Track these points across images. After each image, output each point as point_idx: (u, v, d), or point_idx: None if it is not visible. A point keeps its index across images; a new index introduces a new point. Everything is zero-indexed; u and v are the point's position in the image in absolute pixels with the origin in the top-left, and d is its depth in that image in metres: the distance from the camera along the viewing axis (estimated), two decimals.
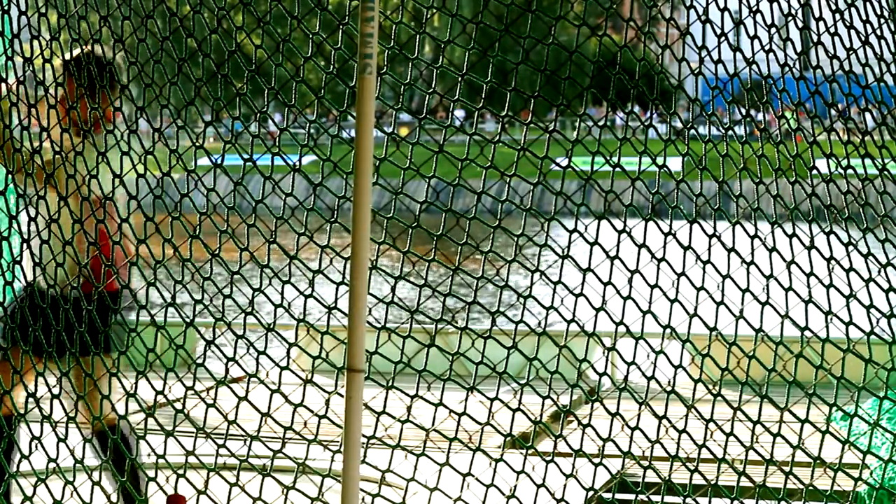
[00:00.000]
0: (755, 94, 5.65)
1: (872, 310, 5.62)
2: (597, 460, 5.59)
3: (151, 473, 6.45)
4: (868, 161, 5.73)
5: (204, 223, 5.48)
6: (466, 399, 5.65)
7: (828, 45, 5.62)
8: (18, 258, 5.86)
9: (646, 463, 5.61)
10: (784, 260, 5.57)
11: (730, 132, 5.61)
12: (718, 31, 5.51)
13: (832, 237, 5.61)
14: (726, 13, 5.60)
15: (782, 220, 5.60)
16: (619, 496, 6.08)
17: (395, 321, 6.20)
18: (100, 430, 5.85)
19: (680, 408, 5.54)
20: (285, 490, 5.43)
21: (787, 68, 5.64)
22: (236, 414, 5.48)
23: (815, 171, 5.74)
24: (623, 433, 5.53)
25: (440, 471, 5.65)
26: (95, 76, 5.71)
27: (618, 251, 5.49)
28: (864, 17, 5.64)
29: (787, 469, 5.55)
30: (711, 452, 5.57)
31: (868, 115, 5.78)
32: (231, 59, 5.44)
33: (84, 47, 5.70)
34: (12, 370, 5.68)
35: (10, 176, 6.12)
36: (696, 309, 5.51)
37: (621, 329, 5.50)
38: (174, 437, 5.43)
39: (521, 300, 5.65)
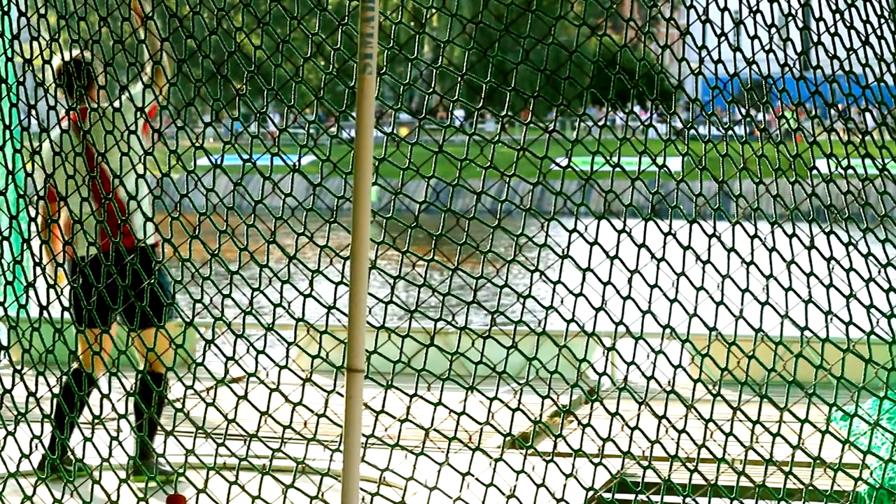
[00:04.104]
0: (755, 94, 5.65)
1: (872, 310, 5.62)
2: (597, 460, 5.59)
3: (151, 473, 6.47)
4: (868, 161, 5.73)
5: (204, 223, 5.48)
6: (466, 399, 5.66)
7: (828, 45, 5.62)
8: (19, 258, 5.86)
9: (646, 463, 5.61)
10: (784, 260, 5.57)
11: (730, 132, 5.61)
12: (718, 31, 5.51)
13: (832, 237, 5.61)
14: (726, 13, 5.60)
15: (782, 220, 5.60)
16: (618, 496, 6.08)
17: (395, 321, 6.20)
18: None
19: (680, 408, 5.54)
20: (285, 490, 5.43)
21: (787, 68, 5.64)
22: (236, 413, 5.48)
23: (815, 171, 5.74)
24: (623, 433, 5.53)
25: (440, 470, 5.65)
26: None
27: (618, 251, 5.49)
28: (864, 18, 5.64)
29: (786, 469, 5.55)
30: (711, 452, 5.57)
31: (868, 115, 5.78)
32: (231, 60, 5.44)
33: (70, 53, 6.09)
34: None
35: (9, 176, 6.12)
36: (695, 309, 5.51)
37: (621, 329, 5.50)
38: (174, 436, 5.43)
39: (521, 300, 5.65)
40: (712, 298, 5.51)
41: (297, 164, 5.54)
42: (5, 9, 5.67)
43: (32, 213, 6.07)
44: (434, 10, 5.52)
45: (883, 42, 5.67)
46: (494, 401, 5.69)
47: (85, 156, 5.91)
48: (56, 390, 5.96)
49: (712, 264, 5.53)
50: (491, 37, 5.60)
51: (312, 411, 5.57)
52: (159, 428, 6.16)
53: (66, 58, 6.27)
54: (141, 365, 6.25)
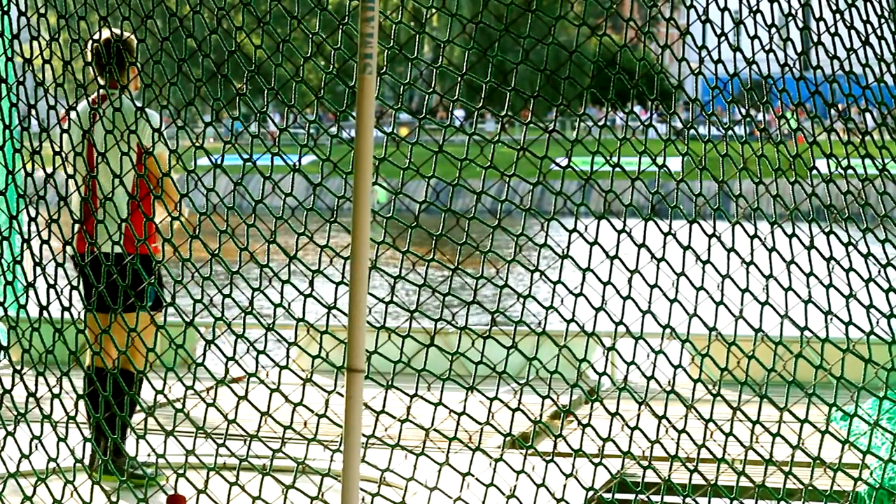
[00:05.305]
0: (755, 94, 5.65)
1: (872, 310, 5.62)
2: (597, 460, 5.59)
3: (151, 472, 6.47)
4: (868, 161, 5.74)
5: (204, 223, 5.48)
6: (466, 399, 5.66)
7: (828, 45, 5.63)
8: (19, 258, 5.86)
9: (646, 463, 5.61)
10: (784, 260, 5.58)
11: (730, 132, 5.61)
12: (718, 31, 5.51)
13: (832, 237, 5.61)
14: (726, 13, 5.60)
15: (782, 220, 5.60)
16: (618, 496, 6.08)
17: (396, 321, 6.20)
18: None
19: (680, 408, 5.54)
20: (285, 490, 5.43)
21: (787, 68, 5.64)
22: (236, 414, 5.48)
23: (815, 171, 5.74)
24: (623, 433, 5.53)
25: (440, 470, 5.65)
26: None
27: (617, 251, 5.50)
28: (864, 18, 5.64)
29: (786, 469, 5.55)
30: (711, 452, 5.57)
31: (868, 116, 5.78)
32: (231, 59, 5.44)
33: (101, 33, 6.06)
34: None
35: (9, 176, 6.12)
36: (695, 309, 5.51)
37: (621, 329, 5.50)
38: (174, 436, 5.43)
39: (521, 300, 5.65)
40: (712, 298, 5.52)
41: (297, 164, 5.54)
42: (5, 9, 5.67)
43: (32, 213, 6.07)
44: (434, 10, 5.53)
45: (883, 42, 5.67)
46: (494, 401, 5.69)
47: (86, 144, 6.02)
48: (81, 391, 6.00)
49: (712, 264, 5.53)
50: (491, 37, 5.60)
51: (313, 411, 5.57)
52: (130, 428, 6.22)
53: (100, 37, 6.15)
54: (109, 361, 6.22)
